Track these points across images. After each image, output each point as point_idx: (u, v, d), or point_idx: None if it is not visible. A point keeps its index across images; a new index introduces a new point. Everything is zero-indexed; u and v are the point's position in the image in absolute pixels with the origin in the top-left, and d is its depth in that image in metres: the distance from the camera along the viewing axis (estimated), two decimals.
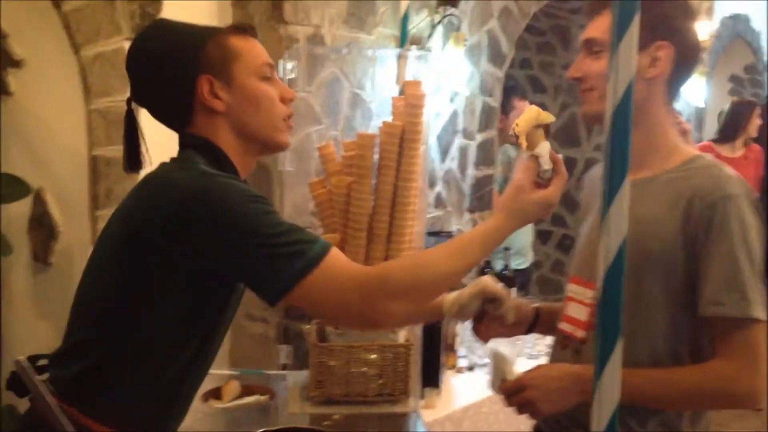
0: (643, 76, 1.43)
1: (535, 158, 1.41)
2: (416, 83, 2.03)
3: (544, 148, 1.41)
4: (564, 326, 1.57)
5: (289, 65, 2.22)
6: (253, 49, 1.43)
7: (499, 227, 1.40)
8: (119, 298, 1.33)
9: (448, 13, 3.22)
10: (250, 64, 1.41)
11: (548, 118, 1.45)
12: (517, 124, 1.44)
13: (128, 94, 1.43)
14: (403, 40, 2.69)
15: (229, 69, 1.39)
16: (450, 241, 1.42)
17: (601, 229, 1.01)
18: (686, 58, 1.47)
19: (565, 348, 1.56)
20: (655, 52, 1.44)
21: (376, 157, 2.06)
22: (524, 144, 1.43)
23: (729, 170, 1.44)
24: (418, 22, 3.17)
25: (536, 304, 1.74)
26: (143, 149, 1.46)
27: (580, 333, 1.52)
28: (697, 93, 5.28)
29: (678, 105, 5.34)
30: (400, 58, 2.57)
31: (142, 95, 1.43)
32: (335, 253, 1.32)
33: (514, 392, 1.48)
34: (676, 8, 1.47)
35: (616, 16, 0.97)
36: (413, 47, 3.05)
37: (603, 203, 1.01)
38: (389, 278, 1.31)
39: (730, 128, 4.88)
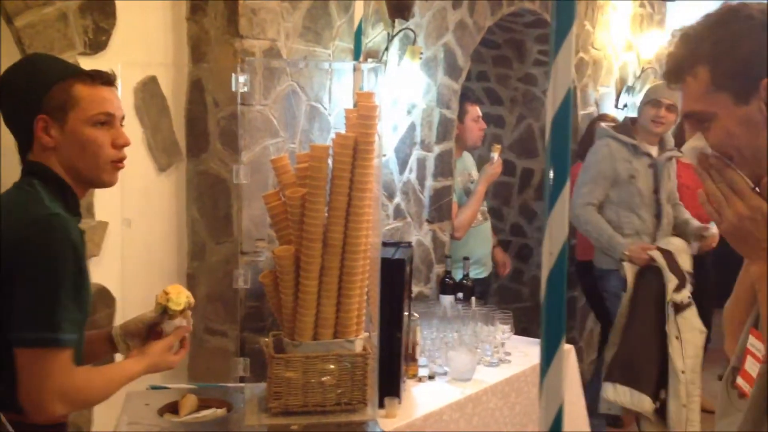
0: None
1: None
2: (368, 95, 2.05)
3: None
4: (740, 382, 1.44)
5: (242, 79, 2.23)
6: (93, 98, 1.66)
7: (138, 372, 1.77)
8: None
9: (403, 27, 3.26)
10: (86, 112, 1.65)
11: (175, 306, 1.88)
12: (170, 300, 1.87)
13: None
14: (358, 53, 2.72)
15: (65, 114, 1.64)
16: (103, 369, 1.76)
17: (544, 233, 1.04)
18: None
19: (741, 398, 1.43)
20: (767, 93, 1.30)
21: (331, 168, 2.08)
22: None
23: None
24: (374, 36, 3.21)
25: None
26: None
27: (748, 389, 1.41)
28: None
29: (632, 115, 5.46)
30: (355, 71, 2.60)
31: (5, 120, 1.71)
32: (67, 355, 1.57)
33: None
34: (761, 37, 1.31)
35: (553, 28, 1.01)
36: (370, 60, 3.08)
37: (545, 209, 1.04)
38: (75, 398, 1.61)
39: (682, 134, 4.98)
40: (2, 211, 1.59)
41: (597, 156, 3.87)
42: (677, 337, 3.65)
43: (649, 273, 3.72)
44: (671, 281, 3.65)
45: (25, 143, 1.69)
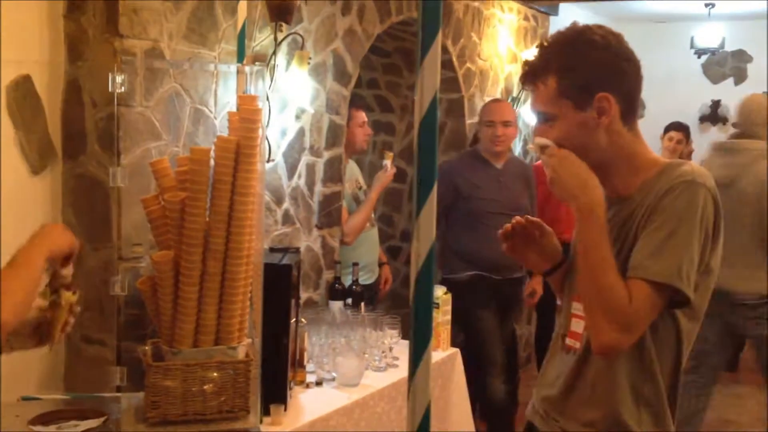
0: (599, 126, 1.60)
1: None
2: (251, 98, 2.04)
3: None
4: (568, 341, 1.75)
5: (119, 78, 2.16)
6: None
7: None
8: None
9: (291, 32, 3.25)
10: None
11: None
12: None
13: None
14: (241, 55, 2.69)
15: None
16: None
17: (412, 236, 1.06)
18: (628, 91, 1.62)
19: (568, 353, 1.75)
20: (599, 104, 1.59)
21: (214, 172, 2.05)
22: None
23: (699, 167, 1.61)
24: (262, 40, 3.18)
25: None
26: None
27: (578, 345, 1.71)
28: (534, 114, 5.58)
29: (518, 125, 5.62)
30: (239, 73, 2.57)
31: None
32: None
33: (544, 151, 1.65)
34: (601, 59, 1.60)
35: (420, 38, 1.03)
36: (257, 63, 3.05)
37: (413, 212, 1.05)
38: None
39: None
40: None
41: None
42: None
43: None
44: None
45: None
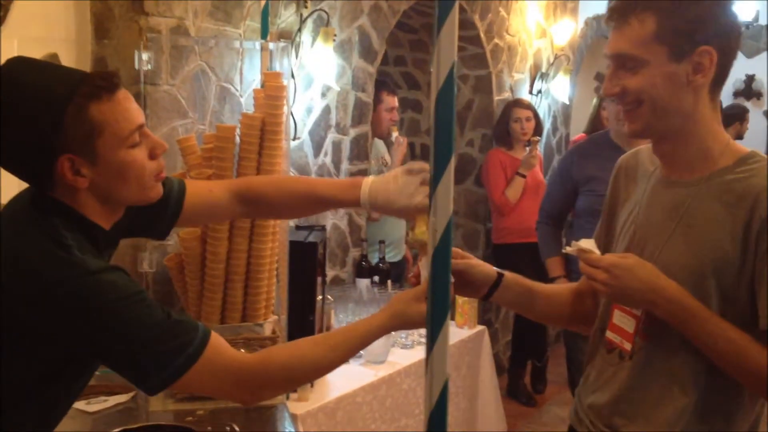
0: (690, 85, 1.40)
1: None
2: (276, 75, 2.03)
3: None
4: (611, 336, 1.54)
5: (145, 56, 2.17)
6: (117, 117, 1.32)
7: (383, 326, 1.45)
8: None
9: (316, 8, 3.24)
10: (116, 137, 1.32)
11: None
12: (414, 232, 1.49)
13: None
14: (265, 32, 2.68)
15: (92, 145, 1.30)
16: (331, 334, 1.52)
17: (429, 209, 1.05)
18: (729, 57, 1.42)
19: (610, 352, 1.55)
20: (698, 59, 1.39)
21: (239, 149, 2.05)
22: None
23: None
24: (287, 17, 3.17)
25: (500, 270, 1.64)
26: None
27: (627, 345, 1.50)
28: (563, 90, 5.52)
29: (545, 102, 5.57)
30: (263, 50, 2.56)
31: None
32: (214, 344, 1.36)
33: (593, 266, 1.43)
34: (713, 7, 1.40)
35: (437, 7, 1.01)
36: (282, 40, 3.04)
37: (430, 185, 1.04)
38: (266, 373, 1.41)
39: (599, 120, 5.14)
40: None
41: None
42: None
43: None
44: None
45: (37, 187, 1.35)
